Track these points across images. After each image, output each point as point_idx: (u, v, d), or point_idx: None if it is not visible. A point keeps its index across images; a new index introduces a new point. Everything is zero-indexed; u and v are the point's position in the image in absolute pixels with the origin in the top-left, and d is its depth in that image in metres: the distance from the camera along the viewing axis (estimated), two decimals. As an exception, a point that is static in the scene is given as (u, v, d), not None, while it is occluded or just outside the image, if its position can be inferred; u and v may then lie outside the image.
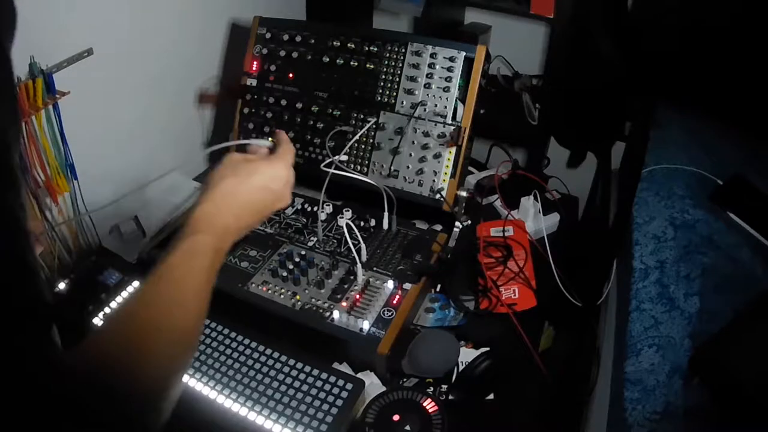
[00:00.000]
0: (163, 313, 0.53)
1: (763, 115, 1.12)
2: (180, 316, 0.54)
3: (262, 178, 0.68)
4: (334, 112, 1.15)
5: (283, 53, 1.17)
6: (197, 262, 0.59)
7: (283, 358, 0.87)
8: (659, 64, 1.23)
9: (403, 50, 1.11)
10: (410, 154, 1.10)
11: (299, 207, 1.17)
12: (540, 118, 1.48)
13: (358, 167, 1.14)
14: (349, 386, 0.82)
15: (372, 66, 1.12)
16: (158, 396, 0.49)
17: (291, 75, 1.19)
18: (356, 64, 1.13)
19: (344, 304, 0.95)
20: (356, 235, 1.02)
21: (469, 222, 1.13)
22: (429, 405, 0.79)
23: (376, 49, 1.12)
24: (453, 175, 1.08)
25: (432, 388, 0.88)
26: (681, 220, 1.01)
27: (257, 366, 0.86)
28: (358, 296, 0.96)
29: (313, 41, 1.17)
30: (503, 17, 1.60)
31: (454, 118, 1.08)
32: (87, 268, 1.02)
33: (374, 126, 1.12)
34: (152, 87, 1.22)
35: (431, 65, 1.09)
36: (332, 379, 0.83)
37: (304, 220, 1.14)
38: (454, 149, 1.07)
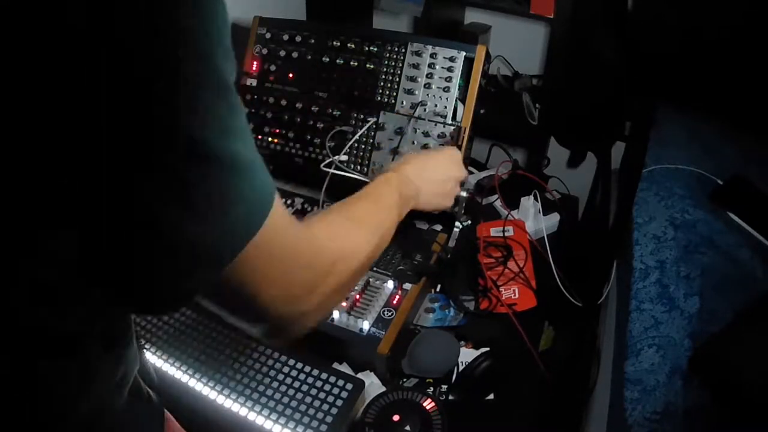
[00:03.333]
0: (365, 213, 0.70)
1: (764, 115, 1.12)
2: (375, 221, 0.69)
3: (436, 150, 0.96)
4: (334, 112, 1.15)
5: (283, 53, 1.17)
6: (386, 189, 0.78)
7: (283, 358, 0.87)
8: (659, 64, 1.23)
9: (403, 50, 1.11)
10: (410, 154, 1.10)
11: (299, 207, 1.17)
12: (540, 118, 1.48)
13: (358, 167, 1.14)
14: (348, 386, 0.82)
15: (372, 66, 1.12)
16: (340, 279, 0.56)
17: (291, 75, 1.19)
18: (356, 64, 1.13)
19: (344, 304, 0.95)
20: (356, 235, 1.02)
21: (469, 222, 1.13)
22: (429, 405, 0.79)
23: (376, 49, 1.12)
24: (453, 175, 1.08)
25: (432, 388, 0.88)
26: (681, 220, 1.01)
27: (257, 366, 0.86)
28: (357, 296, 0.96)
29: (313, 41, 1.17)
30: (503, 17, 1.60)
31: (454, 118, 1.08)
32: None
33: (374, 126, 1.12)
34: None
35: (431, 65, 1.09)
36: (332, 379, 0.83)
37: (304, 220, 1.14)
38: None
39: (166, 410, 0.65)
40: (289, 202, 1.18)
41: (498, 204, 1.26)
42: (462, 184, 0.99)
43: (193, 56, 0.36)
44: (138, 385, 0.59)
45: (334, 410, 0.79)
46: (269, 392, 0.82)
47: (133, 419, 0.56)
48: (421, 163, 0.89)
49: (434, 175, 0.90)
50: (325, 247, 0.55)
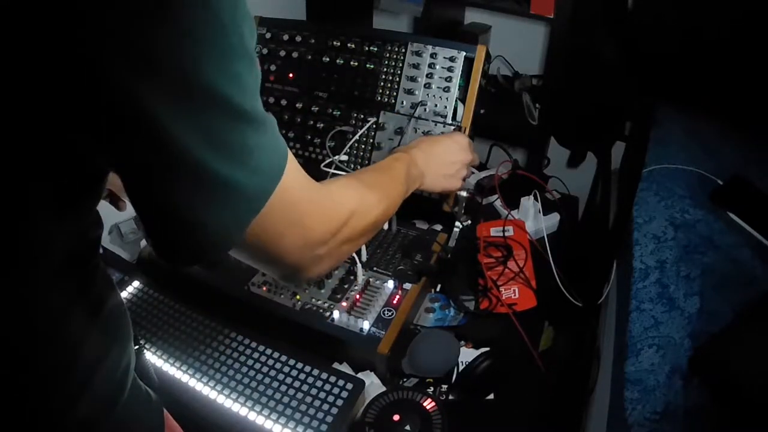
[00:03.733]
0: (377, 180, 0.75)
1: (764, 115, 1.12)
2: (386, 188, 0.75)
3: (445, 135, 1.01)
4: (334, 112, 1.15)
5: (283, 53, 1.17)
6: (396, 164, 0.83)
7: (283, 358, 0.87)
8: (659, 64, 1.23)
9: (403, 50, 1.11)
10: (410, 154, 1.10)
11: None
12: (540, 118, 1.48)
13: (359, 167, 1.14)
14: (349, 386, 0.82)
15: (372, 66, 1.12)
16: (351, 234, 0.61)
17: (291, 75, 1.19)
18: (356, 64, 1.13)
19: (344, 304, 0.95)
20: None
21: (469, 222, 1.13)
22: (429, 405, 0.79)
23: (376, 49, 1.12)
24: (453, 175, 1.08)
25: (432, 388, 0.88)
26: (681, 220, 1.01)
27: (257, 366, 0.86)
28: (358, 296, 0.96)
29: (313, 41, 1.17)
30: (503, 17, 1.60)
31: (454, 118, 1.08)
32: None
33: (374, 126, 1.12)
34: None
35: (431, 65, 1.09)
36: (332, 379, 0.83)
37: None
38: (454, 149, 1.07)
39: (165, 410, 0.65)
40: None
41: (498, 204, 1.26)
42: (477, 168, 1.04)
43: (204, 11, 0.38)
44: (137, 384, 0.59)
45: (334, 410, 0.79)
46: (269, 392, 0.82)
47: (134, 409, 0.57)
48: (429, 146, 0.93)
49: (442, 158, 0.94)
50: (341, 202, 0.60)
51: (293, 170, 0.50)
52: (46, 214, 0.44)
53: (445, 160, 0.94)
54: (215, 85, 0.39)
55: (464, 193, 1.07)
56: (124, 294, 0.98)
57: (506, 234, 1.13)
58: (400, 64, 1.11)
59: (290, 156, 0.49)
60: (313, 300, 0.96)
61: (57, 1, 0.33)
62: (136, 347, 0.61)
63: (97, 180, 0.48)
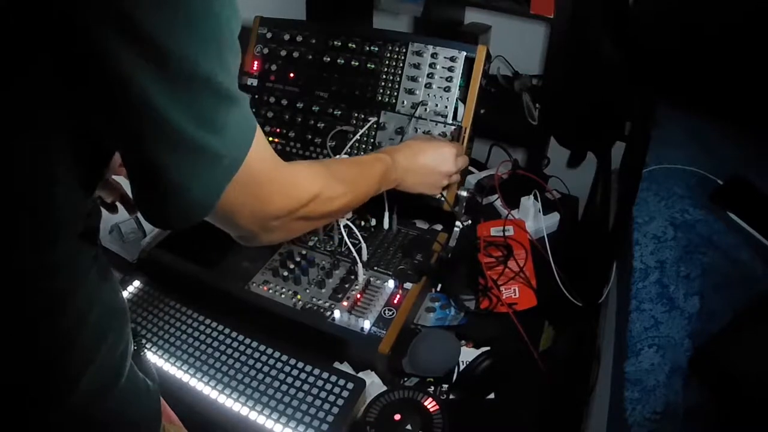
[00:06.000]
0: (347, 173, 0.78)
1: (764, 114, 1.12)
2: (355, 182, 0.78)
3: (434, 143, 0.99)
4: (335, 112, 1.15)
5: (283, 53, 1.17)
6: (375, 163, 0.86)
7: (284, 358, 0.87)
8: (659, 64, 1.23)
9: (404, 50, 1.11)
10: (411, 154, 1.10)
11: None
12: (540, 118, 1.49)
13: (359, 167, 1.14)
14: (350, 386, 0.82)
15: (372, 66, 1.12)
16: (307, 207, 0.66)
17: (292, 75, 1.19)
18: (357, 64, 1.13)
19: (345, 303, 0.95)
20: (356, 235, 1.02)
21: (470, 222, 1.13)
22: (430, 404, 0.79)
23: (376, 49, 1.12)
24: (453, 175, 1.08)
25: (433, 388, 0.88)
26: (681, 220, 1.01)
27: (258, 365, 0.86)
28: (358, 296, 0.96)
29: (313, 41, 1.17)
30: (503, 17, 1.60)
31: (454, 117, 1.08)
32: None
33: (375, 126, 1.12)
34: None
35: (432, 65, 1.09)
36: (333, 378, 0.83)
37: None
38: (454, 149, 1.07)
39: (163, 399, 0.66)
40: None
41: (498, 204, 1.26)
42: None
43: None
44: (134, 372, 0.60)
45: (335, 409, 0.79)
46: (270, 391, 0.82)
47: (131, 396, 0.59)
48: (414, 154, 0.94)
49: (425, 169, 0.96)
50: (304, 185, 0.66)
51: (260, 145, 0.55)
52: (61, 191, 0.47)
53: (427, 171, 0.96)
54: (204, 66, 0.44)
55: (464, 193, 1.07)
56: (124, 294, 0.98)
57: (506, 234, 1.13)
58: (401, 64, 1.11)
59: (259, 132, 0.54)
60: (314, 299, 0.96)
61: None
62: (137, 341, 0.62)
63: (104, 157, 0.53)
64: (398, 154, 0.91)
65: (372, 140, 1.13)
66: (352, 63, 1.13)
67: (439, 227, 1.13)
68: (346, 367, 0.89)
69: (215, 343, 0.90)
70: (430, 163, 0.96)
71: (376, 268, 1.02)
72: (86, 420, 0.54)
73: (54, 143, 0.44)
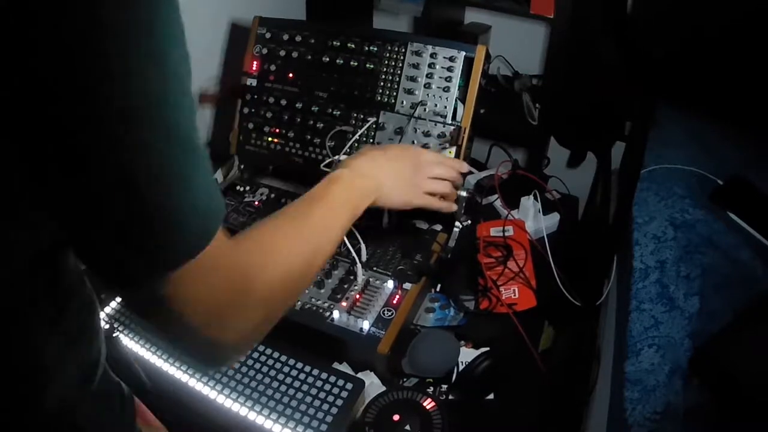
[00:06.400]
0: (296, 224, 0.62)
1: (764, 115, 1.11)
2: (313, 224, 0.63)
3: (397, 147, 0.92)
4: (334, 112, 1.15)
5: (283, 53, 1.17)
6: (333, 188, 0.71)
7: (283, 358, 0.87)
8: (659, 64, 1.23)
9: (403, 50, 1.11)
10: (410, 154, 1.10)
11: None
12: (540, 118, 1.48)
13: (358, 167, 1.14)
14: (349, 386, 0.82)
15: (372, 66, 1.12)
16: (268, 305, 0.52)
17: (291, 75, 1.18)
18: (356, 64, 1.13)
19: (344, 303, 0.95)
20: (356, 235, 1.02)
21: (469, 222, 1.12)
22: (429, 405, 0.79)
23: (376, 49, 1.12)
24: (453, 175, 1.08)
25: (432, 388, 0.88)
26: (681, 220, 1.01)
27: (257, 366, 0.86)
28: (358, 296, 0.96)
29: (313, 41, 1.17)
30: (503, 17, 1.60)
31: (454, 118, 1.08)
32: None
33: (374, 126, 1.12)
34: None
35: (431, 65, 1.09)
36: (332, 378, 0.83)
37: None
38: (454, 149, 1.07)
39: (135, 398, 0.66)
40: (288, 202, 1.18)
41: (498, 204, 1.26)
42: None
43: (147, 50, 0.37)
44: (108, 377, 0.60)
45: (334, 410, 0.79)
46: (269, 392, 0.82)
47: (103, 400, 0.58)
48: (371, 149, 0.85)
49: (393, 161, 0.84)
50: (240, 261, 0.49)
51: (221, 233, 0.45)
52: (22, 207, 0.41)
53: (398, 163, 0.85)
54: (179, 124, 0.40)
55: (464, 193, 1.07)
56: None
57: (506, 234, 1.13)
58: (400, 64, 1.11)
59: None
60: (313, 300, 0.96)
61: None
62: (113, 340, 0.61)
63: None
64: (358, 161, 0.80)
65: (371, 140, 1.13)
66: (352, 63, 1.13)
67: (438, 227, 1.13)
68: (345, 368, 0.89)
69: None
70: (398, 157, 0.86)
71: (375, 268, 1.02)
72: (59, 425, 0.53)
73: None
